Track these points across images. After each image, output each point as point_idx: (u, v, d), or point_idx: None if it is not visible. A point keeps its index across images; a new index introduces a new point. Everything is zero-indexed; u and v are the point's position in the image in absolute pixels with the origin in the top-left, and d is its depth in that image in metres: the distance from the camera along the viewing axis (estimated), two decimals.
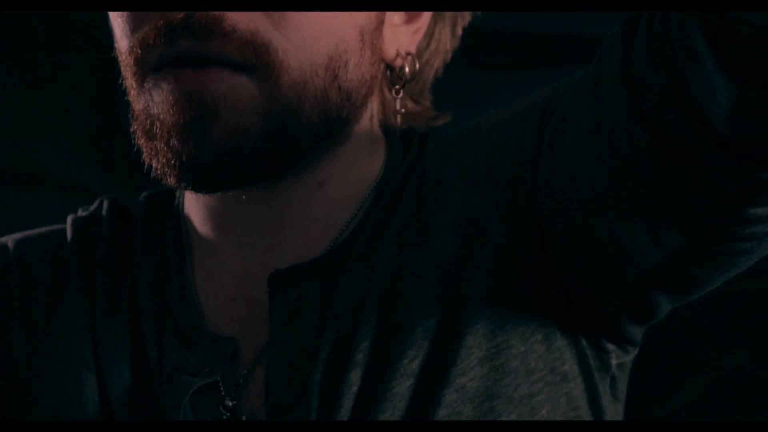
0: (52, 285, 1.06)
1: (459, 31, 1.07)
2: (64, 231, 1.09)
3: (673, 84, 0.80)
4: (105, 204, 1.09)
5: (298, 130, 0.95)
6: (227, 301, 1.02)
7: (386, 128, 1.05)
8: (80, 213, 1.10)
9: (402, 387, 0.94)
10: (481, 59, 1.57)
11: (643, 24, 0.82)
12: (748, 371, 1.58)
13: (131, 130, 0.98)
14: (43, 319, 1.05)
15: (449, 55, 1.08)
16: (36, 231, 1.11)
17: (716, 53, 0.76)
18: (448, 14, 1.06)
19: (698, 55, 0.77)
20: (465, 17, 1.07)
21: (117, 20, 0.97)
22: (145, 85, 0.95)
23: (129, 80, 0.97)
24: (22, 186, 1.63)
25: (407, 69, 1.02)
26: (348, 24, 0.97)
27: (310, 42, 0.94)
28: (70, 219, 1.10)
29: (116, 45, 0.99)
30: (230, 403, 0.98)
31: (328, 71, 0.96)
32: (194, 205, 1.04)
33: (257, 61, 0.93)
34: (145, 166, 0.96)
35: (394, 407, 0.94)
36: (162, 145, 0.94)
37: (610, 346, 0.99)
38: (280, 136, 0.94)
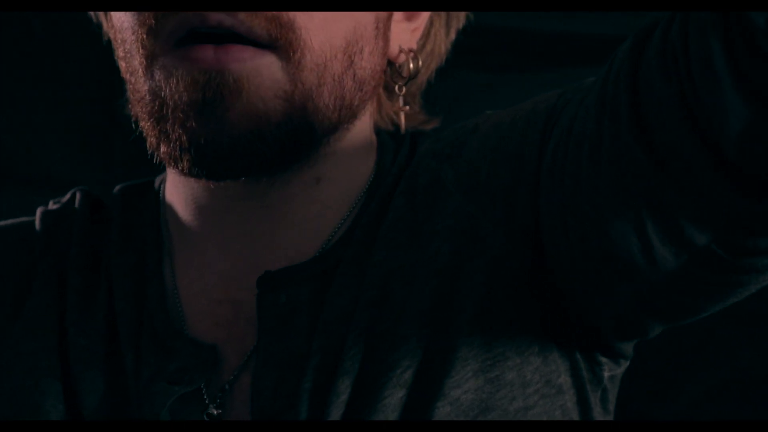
0: (17, 283, 1.00)
1: (453, 34, 1.05)
2: (31, 224, 1.03)
3: (683, 99, 0.76)
4: (78, 196, 1.04)
5: (315, 116, 0.92)
6: (212, 303, 0.97)
7: (377, 129, 1.02)
8: (51, 206, 1.04)
9: (394, 398, 0.90)
10: (481, 59, 1.57)
11: (657, 34, 0.78)
12: (753, 371, 1.57)
13: (132, 112, 0.93)
14: (6, 318, 0.99)
15: (444, 58, 1.05)
16: (0, 222, 1.05)
17: (735, 70, 0.71)
18: (443, 15, 1.03)
19: (715, 70, 0.72)
20: (460, 19, 1.05)
21: None
22: (155, 63, 0.90)
23: (136, 59, 0.91)
24: (22, 186, 1.63)
25: (411, 65, 1.00)
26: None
27: (331, 22, 0.91)
28: (39, 212, 1.04)
29: (114, 23, 0.94)
30: (215, 412, 0.94)
31: (345, 55, 0.93)
32: (179, 201, 0.99)
33: (282, 38, 0.89)
34: (149, 152, 0.91)
35: (386, 418, 0.90)
36: (175, 128, 0.89)
37: (603, 359, 0.96)
38: (299, 122, 0.91)
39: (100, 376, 0.96)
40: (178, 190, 0.99)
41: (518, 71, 1.62)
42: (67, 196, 1.05)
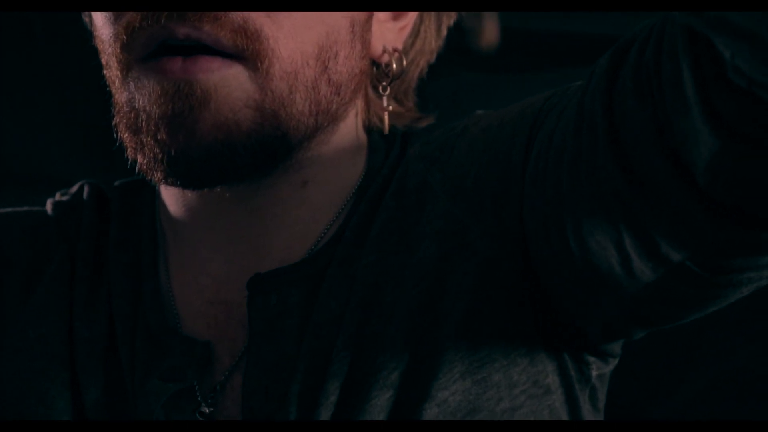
0: (27, 268, 1.02)
1: (444, 31, 1.05)
2: (41, 213, 1.05)
3: (656, 123, 0.76)
4: (86, 189, 1.05)
5: (288, 123, 0.93)
6: (205, 304, 0.98)
7: (368, 128, 1.02)
8: (59, 197, 1.06)
9: (381, 399, 0.91)
10: (480, 59, 1.57)
11: (633, 54, 0.78)
12: (750, 369, 1.58)
13: (113, 123, 0.94)
14: (15, 301, 1.00)
15: (434, 55, 1.05)
16: (9, 210, 1.06)
17: (704, 100, 0.71)
18: (433, 13, 1.03)
19: (685, 97, 0.72)
20: (450, 16, 1.05)
21: None
22: (130, 75, 0.92)
23: (113, 71, 0.94)
24: (22, 186, 1.63)
25: (394, 66, 1.00)
26: (339, 13, 0.94)
27: (301, 30, 0.92)
28: (50, 203, 1.05)
29: (96, 34, 0.96)
30: (207, 410, 0.95)
31: (318, 62, 0.93)
32: (172, 203, 1.00)
33: (249, 48, 0.90)
34: (129, 161, 0.93)
35: (373, 420, 0.91)
36: (148, 139, 0.91)
37: (591, 359, 0.97)
38: (271, 130, 0.92)
39: (101, 370, 0.97)
40: (170, 191, 1.00)
41: (518, 71, 1.62)
42: (75, 188, 1.06)
